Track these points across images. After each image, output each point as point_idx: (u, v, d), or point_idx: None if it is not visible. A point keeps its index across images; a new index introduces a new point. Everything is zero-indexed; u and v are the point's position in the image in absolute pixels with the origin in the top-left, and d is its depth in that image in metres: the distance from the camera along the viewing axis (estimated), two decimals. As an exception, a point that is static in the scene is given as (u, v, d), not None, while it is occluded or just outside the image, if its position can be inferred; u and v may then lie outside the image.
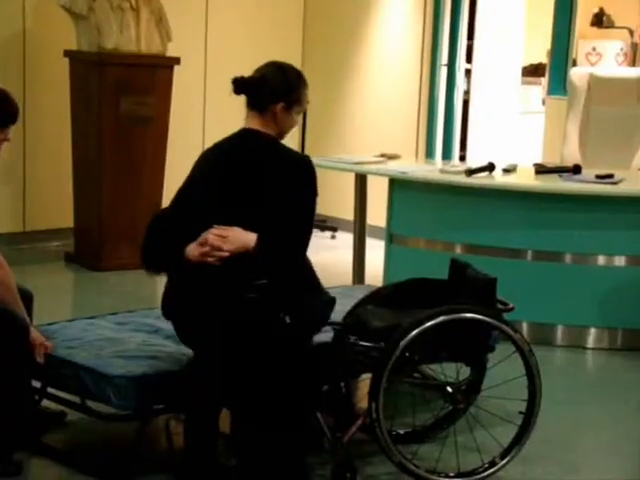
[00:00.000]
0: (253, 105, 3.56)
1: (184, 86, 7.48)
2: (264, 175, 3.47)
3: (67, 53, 6.96)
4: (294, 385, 3.42)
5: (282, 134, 3.62)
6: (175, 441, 3.97)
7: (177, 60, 7.02)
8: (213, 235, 3.39)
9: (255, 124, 3.56)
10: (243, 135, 3.58)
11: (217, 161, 3.55)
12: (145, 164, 6.95)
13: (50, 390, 3.85)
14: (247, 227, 3.41)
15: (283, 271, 3.43)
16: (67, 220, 7.19)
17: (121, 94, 6.76)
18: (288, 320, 3.39)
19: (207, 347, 3.43)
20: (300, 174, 3.49)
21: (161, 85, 6.94)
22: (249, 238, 3.39)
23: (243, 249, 3.38)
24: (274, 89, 3.54)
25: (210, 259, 3.39)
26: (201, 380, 3.47)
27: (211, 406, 3.50)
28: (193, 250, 3.42)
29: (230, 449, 3.60)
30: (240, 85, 3.55)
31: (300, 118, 3.70)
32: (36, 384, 3.84)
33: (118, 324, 4.16)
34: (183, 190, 3.59)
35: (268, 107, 3.54)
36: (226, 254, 3.37)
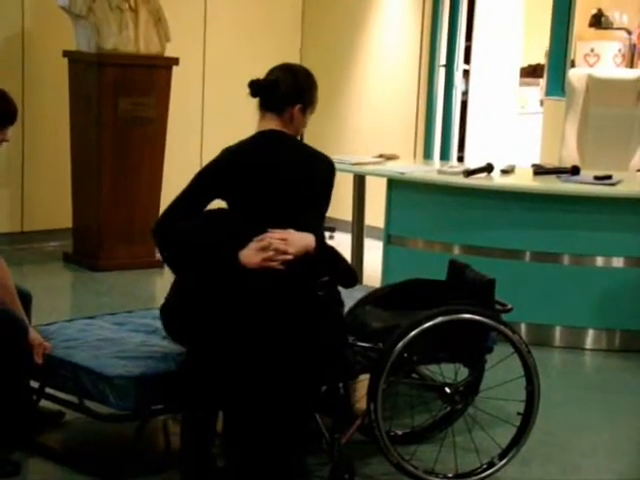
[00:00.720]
0: (270, 107, 3.55)
1: (183, 86, 7.48)
2: (300, 178, 3.51)
3: (66, 53, 6.96)
4: (302, 383, 3.43)
5: (297, 135, 3.65)
6: (173, 441, 3.97)
7: (176, 61, 7.02)
8: (275, 239, 3.38)
9: (275, 126, 3.54)
10: (271, 137, 3.56)
11: (249, 165, 3.50)
12: (143, 164, 6.95)
13: (48, 390, 3.84)
14: (296, 229, 3.42)
15: (337, 267, 3.51)
16: (65, 220, 7.19)
17: (120, 94, 6.76)
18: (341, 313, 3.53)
19: (234, 348, 3.37)
20: (329, 177, 3.60)
21: (160, 85, 6.94)
22: (309, 239, 3.42)
23: (305, 250, 3.39)
24: (292, 91, 3.55)
25: (274, 263, 3.36)
26: (202, 380, 3.46)
27: (210, 406, 3.50)
28: (252, 256, 3.36)
29: (223, 450, 3.60)
30: (257, 88, 3.55)
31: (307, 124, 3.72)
32: (34, 384, 3.83)
33: (117, 324, 4.16)
34: (204, 189, 3.51)
35: (286, 109, 3.54)
36: (291, 257, 3.36)
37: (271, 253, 3.37)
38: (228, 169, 3.50)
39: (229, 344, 3.40)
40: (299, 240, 3.40)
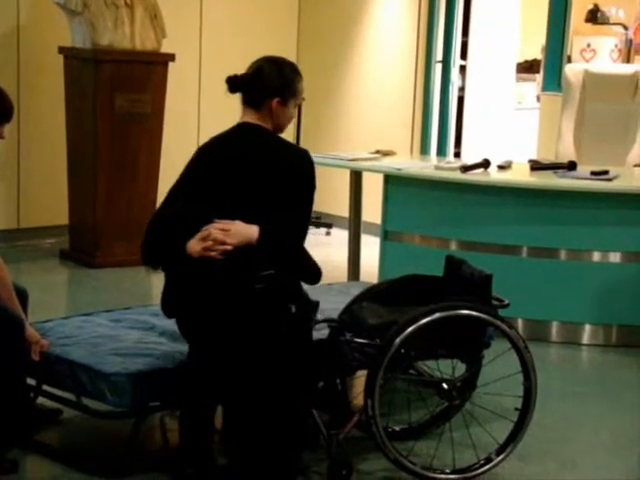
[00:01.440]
0: (249, 102, 3.57)
1: (179, 82, 7.48)
2: (265, 169, 3.48)
3: (62, 50, 6.95)
4: (293, 379, 3.42)
5: (280, 128, 3.62)
6: (170, 438, 3.97)
7: (172, 57, 7.01)
8: (215, 229, 3.39)
9: (252, 119, 3.56)
10: (243, 129, 3.57)
11: (217, 156, 3.55)
12: (140, 161, 6.94)
13: (45, 388, 3.84)
14: (248, 221, 3.41)
15: (285, 261, 3.44)
16: (62, 217, 7.18)
17: (116, 91, 6.75)
18: (294, 309, 3.41)
19: (212, 342, 3.42)
20: (300, 167, 3.52)
21: (156, 82, 6.93)
22: (252, 231, 3.39)
23: (246, 242, 3.38)
24: (269, 85, 3.54)
25: (213, 253, 3.38)
26: (199, 376, 3.47)
27: (208, 403, 3.50)
28: (195, 245, 3.41)
29: (223, 446, 3.60)
30: (234, 83, 3.56)
31: (295, 115, 3.71)
32: (31, 382, 3.82)
33: (113, 321, 4.15)
34: (181, 185, 3.57)
35: (264, 103, 3.55)
36: (229, 248, 3.38)
37: (210, 243, 3.38)
38: (193, 160, 3.57)
39: (199, 337, 3.44)
40: (240, 231, 3.39)
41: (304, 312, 3.48)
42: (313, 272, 3.61)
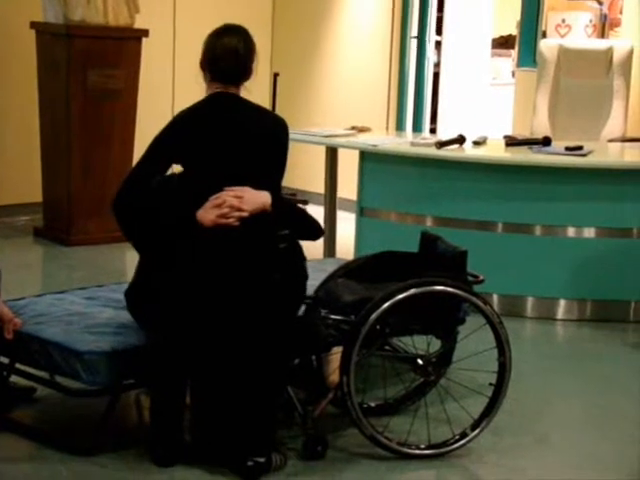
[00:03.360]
0: (229, 81, 3.59)
1: (153, 58, 7.42)
2: (259, 134, 3.53)
3: (33, 25, 6.87)
4: (273, 352, 3.44)
5: None
6: (145, 416, 3.95)
7: (145, 32, 6.95)
8: (229, 196, 3.38)
9: (229, 90, 3.59)
10: (229, 99, 3.57)
11: (212, 125, 3.52)
12: (114, 137, 6.89)
13: (19, 366, 3.81)
14: (253, 187, 3.45)
15: (298, 222, 3.56)
16: (35, 194, 7.12)
17: (89, 67, 6.69)
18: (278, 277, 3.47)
19: (229, 305, 3.41)
20: (285, 134, 3.62)
21: (129, 57, 6.87)
22: (265, 196, 3.44)
23: (261, 208, 3.42)
24: (246, 67, 3.62)
25: (230, 220, 3.38)
26: (172, 352, 3.46)
27: (181, 381, 3.49)
28: (207, 214, 3.39)
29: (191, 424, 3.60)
30: (237, 77, 3.59)
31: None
32: (4, 360, 3.80)
33: (87, 299, 4.13)
34: (163, 154, 3.52)
35: (242, 83, 3.63)
36: (245, 214, 3.39)
37: (226, 210, 3.39)
38: (184, 131, 3.52)
39: (197, 307, 3.42)
40: (254, 197, 3.42)
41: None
42: (315, 228, 3.68)
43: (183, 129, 3.53)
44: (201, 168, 3.50)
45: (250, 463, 3.40)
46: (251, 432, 3.43)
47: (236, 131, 3.52)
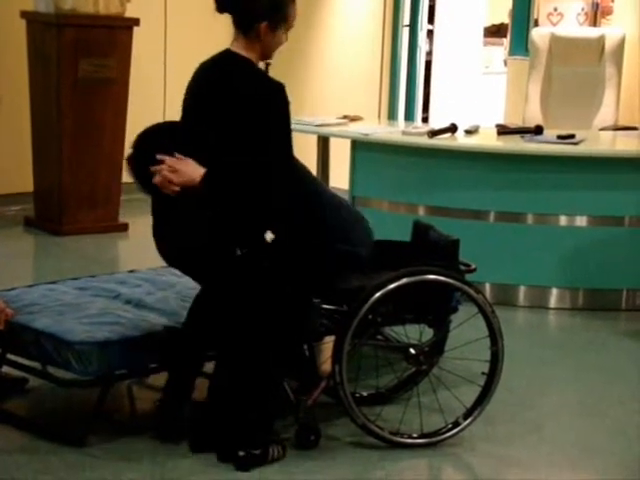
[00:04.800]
0: (237, 25, 3.46)
1: (144, 47, 7.38)
2: (233, 99, 3.38)
3: (24, 14, 6.84)
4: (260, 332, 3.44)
5: (267, 54, 3.53)
6: (137, 406, 3.95)
7: (136, 21, 6.92)
8: (165, 166, 3.38)
9: (238, 45, 3.46)
10: (222, 56, 3.50)
11: (193, 82, 3.52)
12: (105, 126, 6.87)
13: (10, 356, 3.80)
14: (212, 150, 3.38)
15: (232, 205, 3.35)
16: (27, 184, 7.10)
17: (80, 56, 6.66)
18: (239, 252, 3.38)
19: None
20: (269, 100, 3.37)
21: (120, 46, 6.85)
22: (196, 173, 3.35)
23: (190, 183, 3.35)
24: (257, 7, 3.40)
25: (165, 190, 3.39)
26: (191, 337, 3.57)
27: (192, 369, 3.60)
28: (154, 178, 3.41)
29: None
30: (221, 2, 3.43)
31: (286, 41, 3.60)
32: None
33: (79, 289, 4.12)
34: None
35: (252, 26, 3.42)
36: (176, 188, 3.37)
37: (159, 179, 3.39)
38: (188, 85, 3.55)
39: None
40: (186, 172, 3.37)
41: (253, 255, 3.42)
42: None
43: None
44: (181, 121, 3.52)
45: (242, 453, 3.40)
46: (245, 423, 3.43)
47: (200, 90, 3.46)
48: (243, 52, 3.45)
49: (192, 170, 3.37)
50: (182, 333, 3.63)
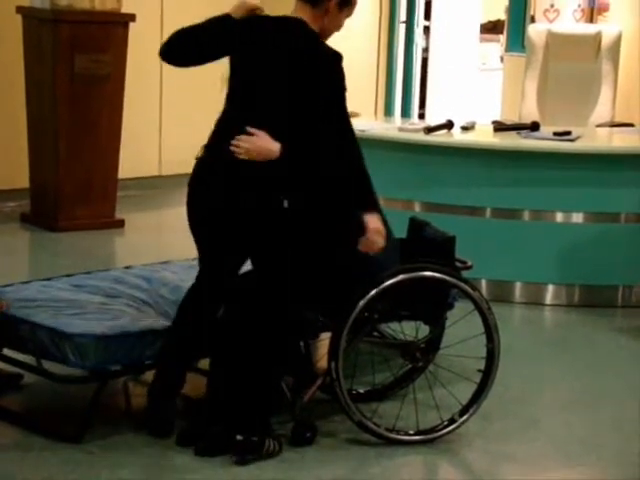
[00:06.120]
0: None
1: (140, 43, 7.37)
2: (300, 65, 3.43)
3: (20, 10, 6.83)
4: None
5: (327, 33, 3.56)
6: (133, 403, 3.95)
7: (132, 17, 6.90)
8: (244, 144, 3.38)
9: (304, 15, 3.49)
10: (291, 22, 3.50)
11: (259, 41, 3.50)
12: (101, 123, 6.85)
13: (5, 352, 3.79)
14: (274, 115, 3.41)
15: (309, 182, 3.44)
16: (22, 180, 7.08)
17: (76, 52, 6.65)
18: (285, 204, 3.42)
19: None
20: (328, 69, 3.46)
21: (116, 42, 6.83)
22: (273, 149, 3.37)
23: (266, 159, 3.37)
24: None
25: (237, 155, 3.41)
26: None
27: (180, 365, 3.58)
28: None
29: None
30: None
31: (343, 25, 3.62)
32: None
33: (75, 286, 4.11)
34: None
35: (323, 2, 3.49)
36: (244, 156, 3.37)
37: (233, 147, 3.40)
38: (237, 31, 3.53)
39: None
40: (262, 149, 3.39)
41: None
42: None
43: (238, 28, 3.56)
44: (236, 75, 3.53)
45: (240, 437, 3.40)
46: (243, 409, 3.43)
47: (276, 54, 3.46)
48: (310, 23, 3.47)
49: (268, 146, 3.38)
50: (171, 329, 3.62)
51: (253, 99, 3.47)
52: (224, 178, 3.42)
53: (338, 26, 3.57)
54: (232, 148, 3.39)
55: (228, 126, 3.48)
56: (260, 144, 3.39)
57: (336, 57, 3.48)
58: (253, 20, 3.55)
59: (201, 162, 3.51)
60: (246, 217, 3.42)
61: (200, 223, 3.52)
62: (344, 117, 3.53)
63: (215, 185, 3.45)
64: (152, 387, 3.61)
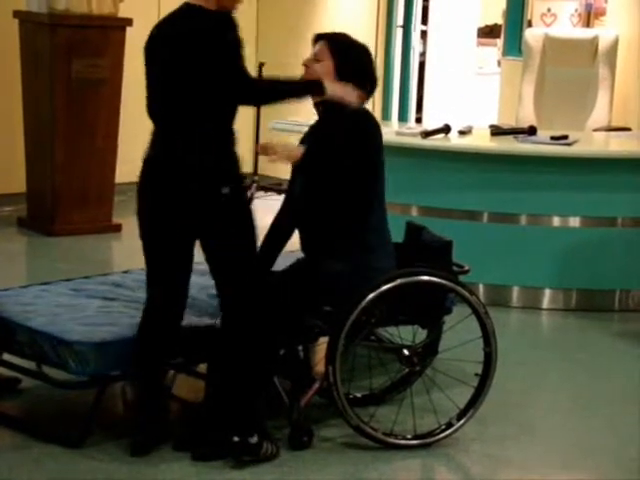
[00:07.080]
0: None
1: (137, 47, 7.34)
2: (192, 47, 3.48)
3: (17, 14, 6.83)
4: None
5: (223, 5, 3.52)
6: (132, 408, 3.94)
7: (129, 21, 6.91)
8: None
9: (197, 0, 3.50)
10: (182, 9, 3.57)
11: (153, 36, 3.66)
12: (98, 127, 6.85)
13: (4, 357, 3.79)
14: (182, 99, 3.51)
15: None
16: (19, 185, 7.08)
17: (73, 56, 6.65)
18: (227, 190, 3.45)
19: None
20: (225, 34, 3.47)
21: (113, 47, 6.83)
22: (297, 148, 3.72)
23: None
24: None
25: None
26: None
27: (159, 367, 3.58)
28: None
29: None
30: None
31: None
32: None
33: (73, 290, 4.11)
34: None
35: None
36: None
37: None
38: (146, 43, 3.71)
39: None
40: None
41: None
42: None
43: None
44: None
45: (236, 439, 3.40)
46: (240, 411, 3.43)
47: (168, 43, 3.60)
48: (204, 4, 3.49)
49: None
50: (137, 339, 3.58)
51: (169, 89, 3.58)
52: (171, 171, 3.48)
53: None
54: (271, 159, 3.74)
55: (162, 122, 3.56)
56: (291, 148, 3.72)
57: (225, 20, 3.49)
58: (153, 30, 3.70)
59: (147, 161, 3.56)
60: (193, 204, 3.46)
61: (152, 216, 3.54)
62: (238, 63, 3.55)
63: (164, 178, 3.50)
64: (139, 396, 3.62)
